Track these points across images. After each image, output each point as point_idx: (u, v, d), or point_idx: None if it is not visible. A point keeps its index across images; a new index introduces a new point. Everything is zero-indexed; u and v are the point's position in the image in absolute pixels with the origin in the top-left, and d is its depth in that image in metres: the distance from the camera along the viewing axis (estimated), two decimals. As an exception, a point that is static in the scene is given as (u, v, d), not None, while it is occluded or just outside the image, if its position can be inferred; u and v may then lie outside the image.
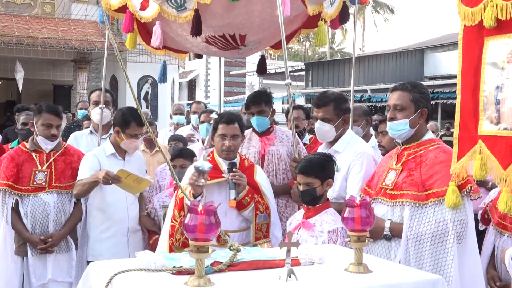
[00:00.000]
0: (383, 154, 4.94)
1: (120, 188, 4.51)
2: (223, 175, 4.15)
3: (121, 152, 4.76)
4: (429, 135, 3.65)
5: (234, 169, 4.14)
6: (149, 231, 5.03)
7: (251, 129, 5.11)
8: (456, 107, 3.28)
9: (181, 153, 5.09)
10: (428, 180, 3.40)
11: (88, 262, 4.56)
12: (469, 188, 3.31)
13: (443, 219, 3.31)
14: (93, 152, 4.74)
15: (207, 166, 3.78)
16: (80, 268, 4.66)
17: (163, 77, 6.24)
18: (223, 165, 4.22)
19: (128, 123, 4.64)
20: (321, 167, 3.70)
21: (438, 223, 3.31)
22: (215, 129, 4.28)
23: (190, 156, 5.10)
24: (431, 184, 3.39)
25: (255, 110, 4.97)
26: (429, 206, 3.35)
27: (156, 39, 4.96)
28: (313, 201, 3.69)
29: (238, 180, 4.08)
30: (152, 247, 5.00)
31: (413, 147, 3.60)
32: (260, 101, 4.99)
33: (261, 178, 4.34)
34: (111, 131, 5.02)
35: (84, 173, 4.58)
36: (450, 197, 3.25)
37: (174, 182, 4.31)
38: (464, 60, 3.23)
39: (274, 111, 5.13)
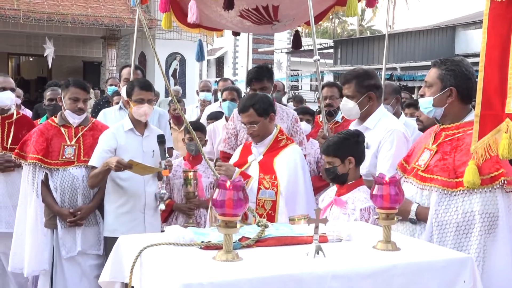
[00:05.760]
0: (420, 129, 4.88)
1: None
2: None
3: (139, 127, 4.66)
4: (471, 117, 3.31)
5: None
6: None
7: None
8: (478, 84, 3.11)
9: (196, 127, 5.16)
10: (461, 167, 3.18)
11: (105, 238, 4.61)
12: (502, 181, 3.09)
13: (471, 210, 3.11)
14: (112, 130, 4.65)
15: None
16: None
17: (201, 56, 6.24)
18: (254, 149, 4.38)
19: (132, 88, 4.58)
20: (338, 146, 3.67)
21: (465, 213, 3.12)
22: None
23: (203, 129, 5.56)
24: (463, 171, 3.14)
25: (257, 87, 4.93)
26: (458, 194, 3.15)
27: (192, 15, 4.96)
28: (337, 179, 3.69)
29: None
30: (166, 210, 5.11)
31: (452, 128, 3.38)
32: (263, 77, 4.95)
33: (282, 159, 4.25)
34: None
35: (95, 157, 4.50)
36: (469, 176, 3.06)
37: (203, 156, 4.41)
38: (490, 36, 3.10)
39: (275, 87, 5.09)
